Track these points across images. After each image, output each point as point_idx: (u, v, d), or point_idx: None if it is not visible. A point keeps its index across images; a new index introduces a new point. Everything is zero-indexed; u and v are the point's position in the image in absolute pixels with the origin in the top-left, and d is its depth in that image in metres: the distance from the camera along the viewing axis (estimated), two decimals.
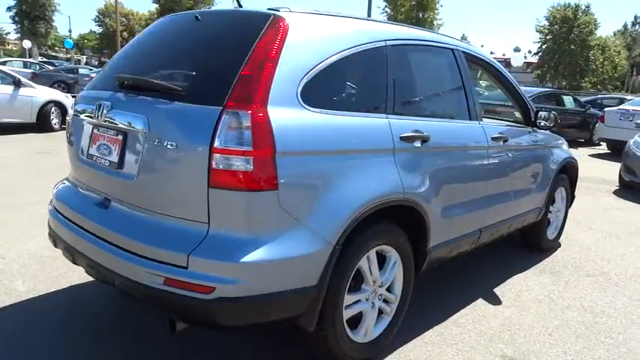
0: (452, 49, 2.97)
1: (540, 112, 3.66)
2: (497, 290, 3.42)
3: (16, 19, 27.07)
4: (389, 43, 2.48)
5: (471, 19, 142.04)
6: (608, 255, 4.33)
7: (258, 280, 1.84)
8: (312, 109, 2.00)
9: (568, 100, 12.63)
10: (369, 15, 18.54)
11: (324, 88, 2.12)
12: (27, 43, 27.47)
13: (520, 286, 3.52)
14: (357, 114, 2.21)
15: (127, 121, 2.06)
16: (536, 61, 49.54)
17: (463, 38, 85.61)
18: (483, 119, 3.27)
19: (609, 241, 4.78)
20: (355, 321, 2.35)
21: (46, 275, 3.19)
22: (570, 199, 4.57)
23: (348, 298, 2.24)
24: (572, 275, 3.81)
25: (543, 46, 46.30)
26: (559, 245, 4.53)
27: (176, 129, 1.91)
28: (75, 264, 2.28)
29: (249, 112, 1.81)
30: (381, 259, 2.43)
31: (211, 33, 2.22)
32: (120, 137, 2.11)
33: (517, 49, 75.59)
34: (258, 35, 2.00)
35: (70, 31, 52.02)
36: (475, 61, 3.32)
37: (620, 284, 3.68)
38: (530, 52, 53.96)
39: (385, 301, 2.49)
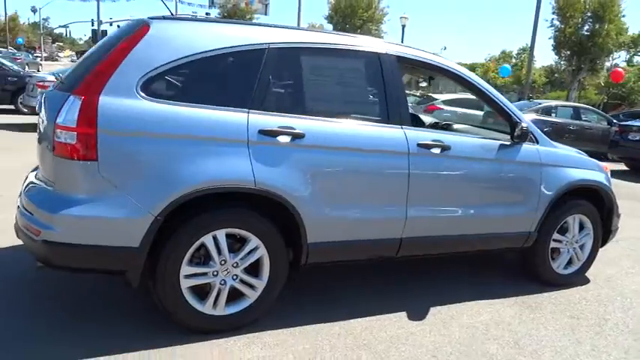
0: (376, 53, 2.96)
1: (522, 124, 3.28)
2: (436, 308, 3.20)
3: None
4: (273, 46, 2.68)
5: None
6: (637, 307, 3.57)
7: (71, 231, 2.29)
8: (150, 99, 2.37)
9: None
10: (534, 28, 17.13)
11: (172, 82, 2.48)
12: None
13: (467, 311, 3.22)
14: (208, 107, 2.48)
15: (40, 104, 2.73)
16: None
17: None
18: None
19: None
20: (206, 293, 2.61)
21: None
22: (602, 231, 3.88)
23: (189, 269, 2.52)
24: (552, 314, 3.30)
25: None
26: (585, 282, 3.89)
27: (47, 109, 2.49)
28: None
29: (82, 97, 2.28)
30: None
31: (112, 38, 2.75)
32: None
33: None
34: (124, 38, 2.47)
35: None
36: (425, 67, 3.22)
37: (603, 333, 3.07)
38: None
39: (246, 283, 2.68)
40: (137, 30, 2.49)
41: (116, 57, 2.40)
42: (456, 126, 4.06)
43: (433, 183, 3.07)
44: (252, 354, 2.51)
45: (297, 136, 2.63)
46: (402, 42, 25.65)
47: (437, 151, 3.03)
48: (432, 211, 3.09)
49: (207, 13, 39.04)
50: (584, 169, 3.71)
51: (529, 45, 18.47)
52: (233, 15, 31.36)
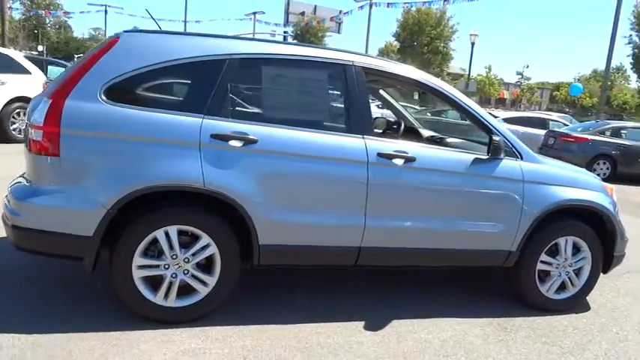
0: (340, 64, 3.04)
1: (494, 137, 3.18)
2: (399, 321, 3.14)
3: None
4: (235, 56, 2.85)
5: None
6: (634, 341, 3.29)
7: (34, 217, 2.58)
8: (112, 103, 2.63)
9: None
10: (611, 45, 16.02)
11: (134, 88, 2.73)
12: None
13: (431, 326, 3.13)
14: (165, 111, 2.70)
15: None
16: None
17: None
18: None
19: None
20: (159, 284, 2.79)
21: None
22: (603, 257, 3.61)
23: (142, 261, 2.72)
24: (526, 338, 3.12)
25: None
26: (584, 310, 3.64)
27: (29, 111, 2.83)
28: None
29: (51, 100, 2.58)
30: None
31: (93, 50, 3.05)
32: None
33: None
34: (98, 49, 2.77)
35: None
36: (393, 78, 3.24)
37: None
38: None
39: (197, 279, 2.83)
40: (109, 42, 2.78)
41: (86, 65, 2.69)
42: (449, 140, 3.99)
43: (395, 193, 3.06)
44: (191, 345, 2.64)
45: (249, 142, 2.76)
46: (471, 60, 25.13)
47: (399, 161, 3.03)
48: (394, 222, 3.08)
49: (285, 32, 40.49)
50: (579, 188, 3.49)
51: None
52: (305, 33, 32.35)
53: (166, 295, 2.79)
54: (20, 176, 2.98)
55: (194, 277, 2.82)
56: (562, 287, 3.60)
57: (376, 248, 3.08)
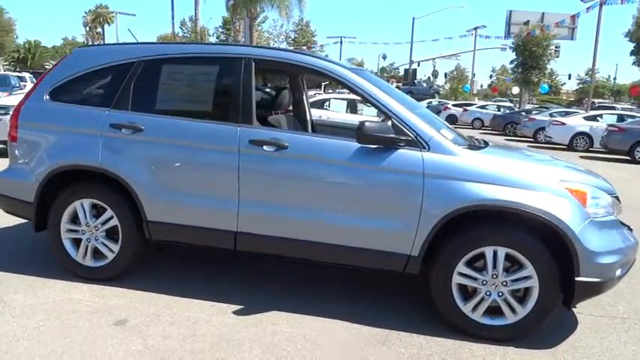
0: (231, 58, 3.23)
1: (367, 123, 2.86)
2: (279, 313, 3.08)
3: (515, 69, 31.36)
4: (143, 58, 3.37)
5: None
6: None
7: (3, 187, 3.55)
8: (53, 102, 3.45)
9: None
10: None
11: (68, 90, 3.49)
12: (515, 90, 31.69)
13: (299, 323, 2.98)
14: (84, 107, 3.38)
15: None
16: None
17: None
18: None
19: None
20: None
21: None
22: (560, 281, 2.75)
23: (67, 226, 3.43)
24: (391, 355, 2.69)
25: None
26: (538, 346, 2.83)
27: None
28: None
29: (20, 102, 3.56)
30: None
31: None
32: None
33: None
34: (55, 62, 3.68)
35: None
36: (285, 66, 3.25)
37: None
38: None
39: (105, 245, 3.38)
40: (65, 55, 3.63)
41: (44, 75, 3.59)
42: None
43: (265, 180, 3.07)
44: (77, 296, 3.20)
45: (137, 130, 3.22)
46: None
47: (270, 149, 3.02)
48: (266, 210, 3.06)
49: (514, 43, 37.76)
50: (514, 187, 2.76)
51: None
52: (527, 43, 29.65)
53: (84, 256, 3.43)
54: None
55: (103, 244, 3.40)
56: (497, 311, 2.88)
57: (251, 235, 3.11)
